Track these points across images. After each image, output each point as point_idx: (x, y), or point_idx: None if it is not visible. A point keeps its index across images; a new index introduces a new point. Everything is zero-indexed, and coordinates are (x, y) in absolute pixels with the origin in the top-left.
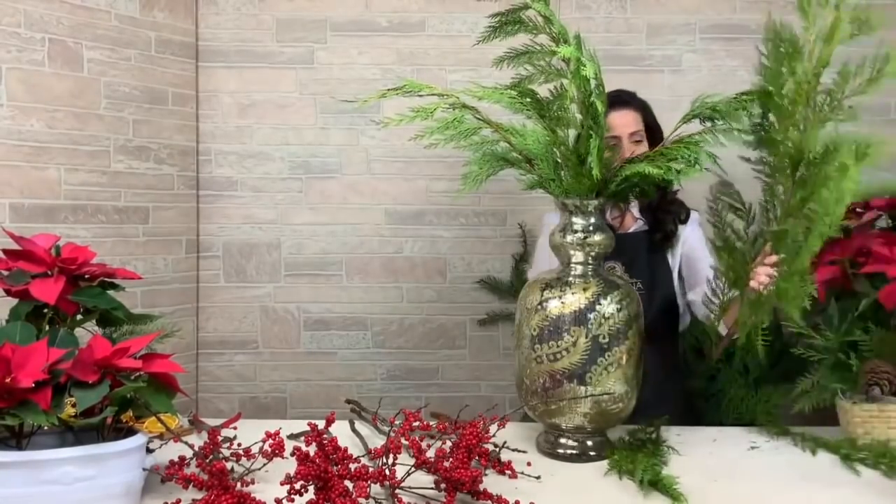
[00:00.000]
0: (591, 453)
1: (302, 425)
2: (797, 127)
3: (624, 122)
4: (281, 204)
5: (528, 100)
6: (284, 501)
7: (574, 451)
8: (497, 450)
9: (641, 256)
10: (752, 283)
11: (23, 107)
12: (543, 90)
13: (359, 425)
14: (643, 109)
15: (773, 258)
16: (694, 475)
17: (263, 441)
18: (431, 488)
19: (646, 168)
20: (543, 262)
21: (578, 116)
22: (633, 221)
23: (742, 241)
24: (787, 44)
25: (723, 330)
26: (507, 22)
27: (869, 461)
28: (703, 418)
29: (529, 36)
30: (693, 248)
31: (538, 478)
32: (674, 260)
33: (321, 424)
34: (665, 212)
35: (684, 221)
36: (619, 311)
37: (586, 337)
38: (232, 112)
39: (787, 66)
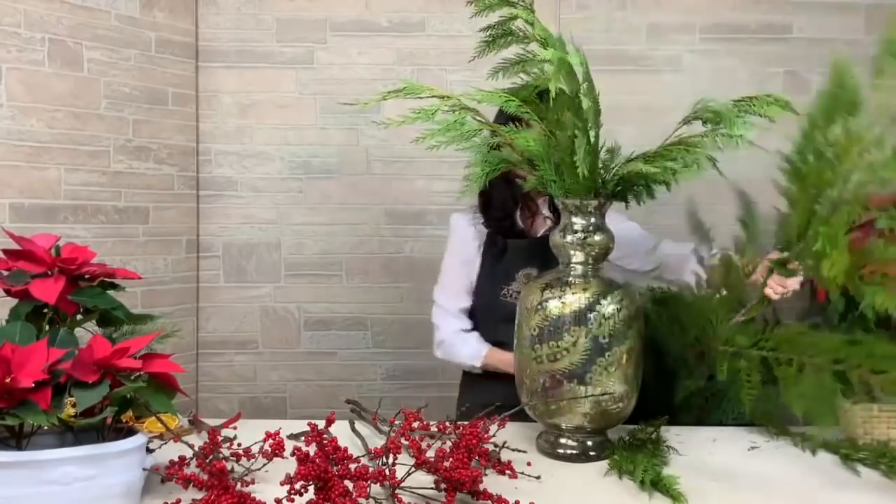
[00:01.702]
0: (591, 453)
1: (302, 425)
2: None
3: None
4: (281, 204)
5: (526, 103)
6: (284, 501)
7: (574, 451)
8: (497, 450)
9: (555, 261)
10: (767, 291)
11: (23, 107)
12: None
13: (359, 425)
14: None
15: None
16: (694, 475)
17: (263, 441)
18: (431, 488)
19: (641, 167)
20: (452, 277)
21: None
22: (544, 224)
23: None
24: (847, 94)
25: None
26: (498, 35)
27: (869, 461)
28: (701, 418)
29: (522, 45)
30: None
31: (538, 478)
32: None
33: (321, 424)
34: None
35: None
36: (619, 311)
37: (586, 337)
38: (232, 112)
39: (842, 118)
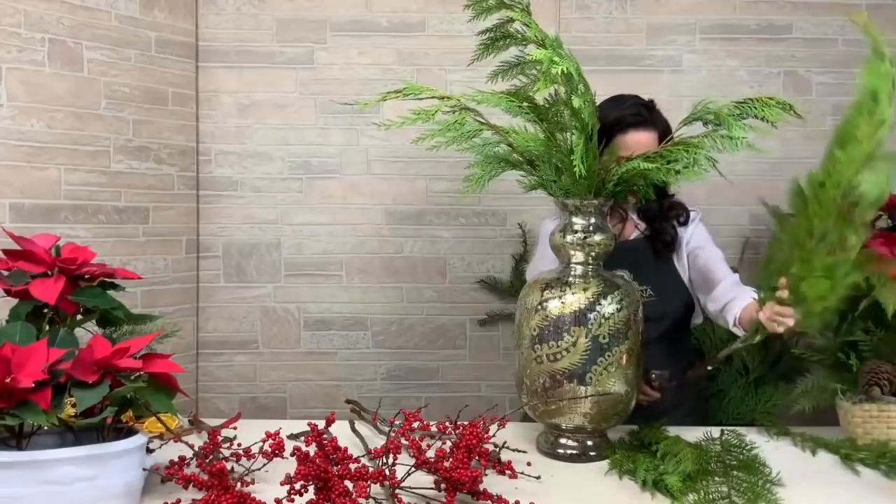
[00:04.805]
0: (591, 453)
1: (302, 425)
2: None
3: (643, 144)
4: (281, 204)
5: (526, 104)
6: (284, 501)
7: (574, 451)
8: (497, 450)
9: (646, 264)
10: (760, 315)
11: (23, 107)
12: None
13: (359, 425)
14: (664, 130)
15: (785, 293)
16: None
17: (263, 441)
18: (431, 488)
19: (642, 165)
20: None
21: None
22: (634, 229)
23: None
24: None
25: (738, 332)
26: (497, 38)
27: (869, 461)
28: (707, 417)
29: (520, 47)
30: (698, 247)
31: (538, 478)
32: (680, 262)
33: (321, 424)
34: (664, 218)
35: (685, 223)
36: (619, 311)
37: (586, 337)
38: (232, 112)
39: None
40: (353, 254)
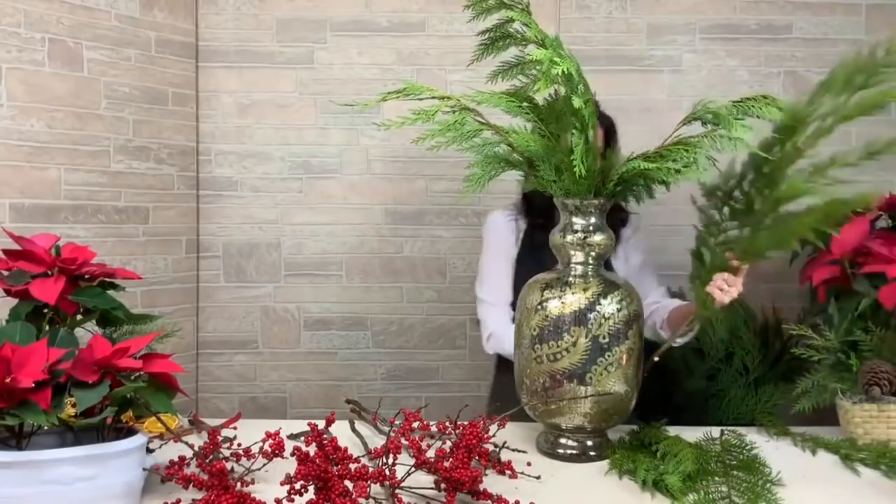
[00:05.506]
0: (591, 453)
1: (302, 425)
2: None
3: None
4: (281, 204)
5: (526, 104)
6: (284, 501)
7: (574, 451)
8: (497, 450)
9: None
10: (708, 287)
11: (23, 107)
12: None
13: (359, 425)
14: (608, 127)
15: (735, 262)
16: None
17: (263, 441)
18: (431, 488)
19: (642, 165)
20: (494, 272)
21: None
22: None
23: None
24: (789, 117)
25: (663, 334)
26: (497, 38)
27: (869, 461)
28: (701, 418)
29: (520, 47)
30: (631, 253)
31: (538, 478)
32: (616, 262)
33: (321, 424)
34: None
35: (623, 224)
36: (619, 310)
37: (586, 337)
38: (232, 112)
39: (785, 135)
40: (353, 254)
